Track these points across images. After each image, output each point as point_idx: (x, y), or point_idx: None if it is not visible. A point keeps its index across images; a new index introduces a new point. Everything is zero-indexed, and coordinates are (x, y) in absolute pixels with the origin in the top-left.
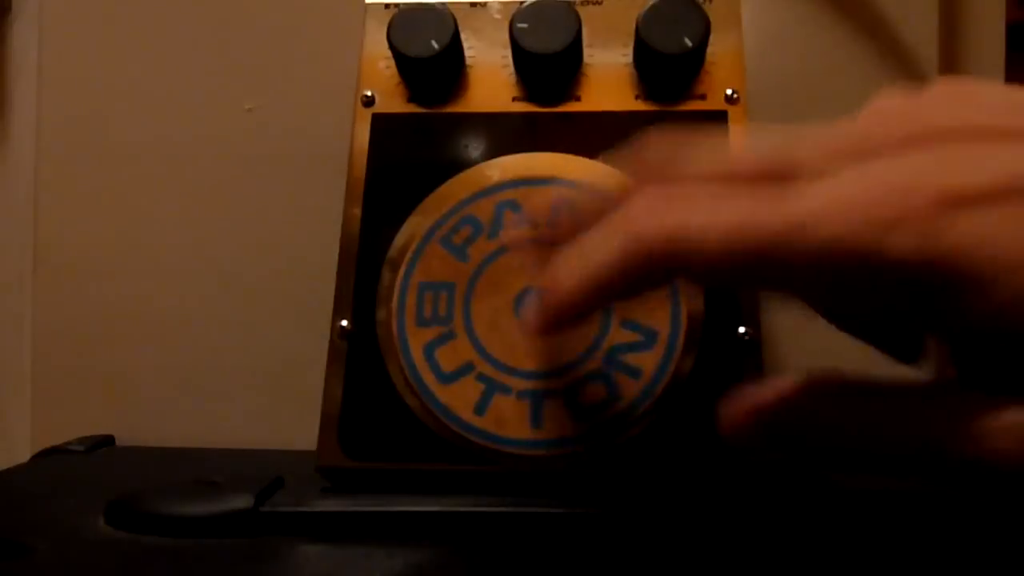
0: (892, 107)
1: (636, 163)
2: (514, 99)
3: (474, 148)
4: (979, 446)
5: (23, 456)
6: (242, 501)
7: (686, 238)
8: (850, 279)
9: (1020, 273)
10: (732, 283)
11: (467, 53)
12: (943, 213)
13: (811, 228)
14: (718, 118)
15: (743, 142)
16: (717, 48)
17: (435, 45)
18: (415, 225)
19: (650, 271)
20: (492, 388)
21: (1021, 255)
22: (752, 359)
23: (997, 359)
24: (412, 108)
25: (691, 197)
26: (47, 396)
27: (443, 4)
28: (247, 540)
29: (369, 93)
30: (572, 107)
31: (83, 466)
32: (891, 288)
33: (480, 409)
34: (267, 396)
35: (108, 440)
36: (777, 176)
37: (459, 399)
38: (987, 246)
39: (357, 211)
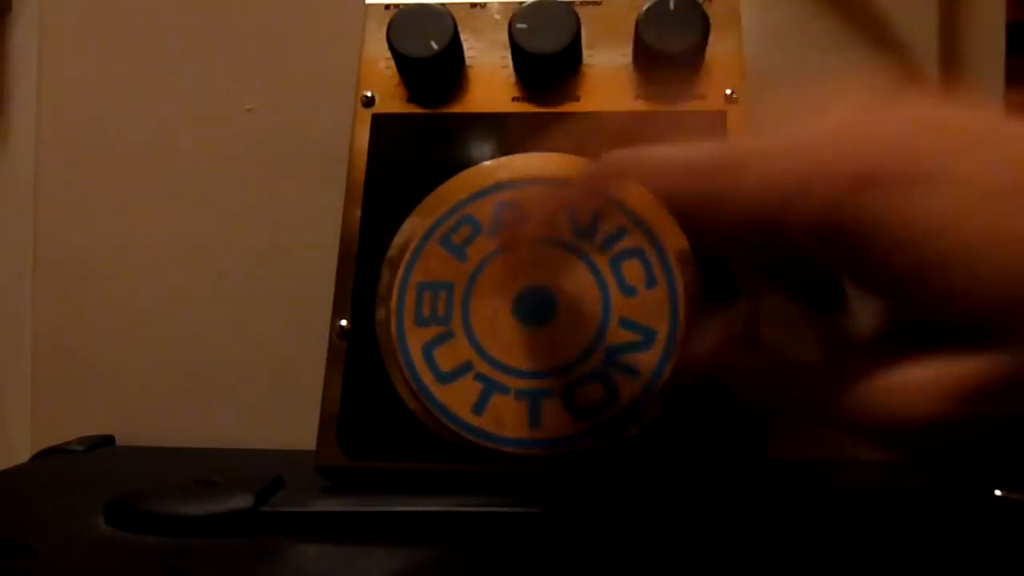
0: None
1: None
2: (513, 99)
3: (473, 148)
4: (851, 412)
5: (23, 456)
6: (242, 501)
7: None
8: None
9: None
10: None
11: (467, 54)
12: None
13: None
14: (717, 118)
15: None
16: (716, 48)
17: (434, 46)
18: (414, 225)
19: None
20: (490, 388)
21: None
22: None
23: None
24: (412, 108)
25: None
26: (47, 396)
27: (443, 5)
28: (247, 540)
29: (369, 94)
30: (571, 107)
31: (83, 466)
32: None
33: (478, 409)
34: (267, 396)
35: (108, 440)
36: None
37: (457, 399)
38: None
39: (357, 211)
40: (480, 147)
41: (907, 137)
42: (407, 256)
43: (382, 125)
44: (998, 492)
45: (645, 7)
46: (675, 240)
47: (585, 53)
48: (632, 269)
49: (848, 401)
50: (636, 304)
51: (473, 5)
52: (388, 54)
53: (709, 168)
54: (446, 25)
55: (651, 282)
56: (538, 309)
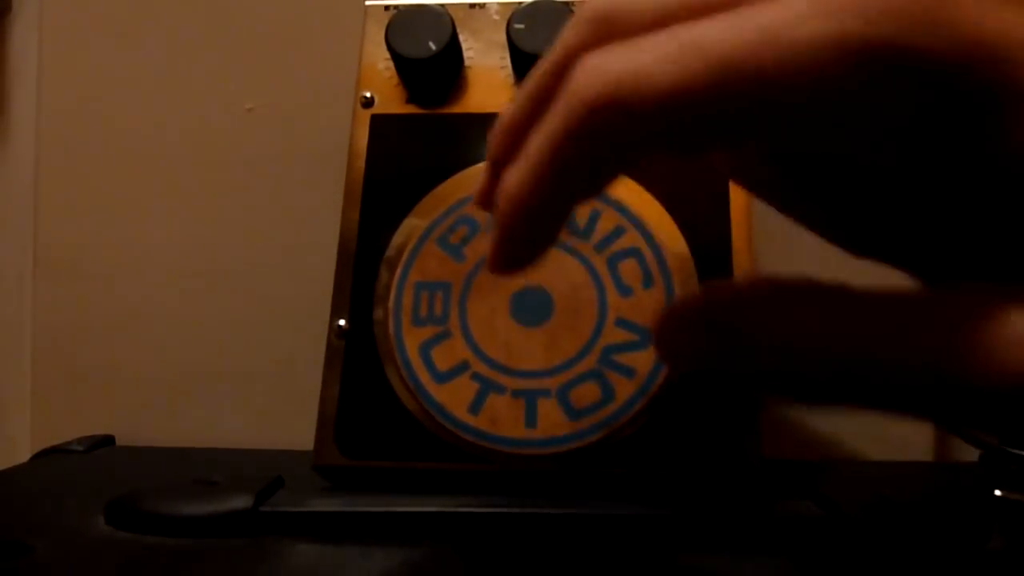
0: None
1: (569, 33)
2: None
3: (472, 149)
4: (982, 360)
5: (23, 456)
6: (242, 501)
7: (634, 76)
8: (843, 92)
9: None
10: (696, 133)
11: (465, 54)
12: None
13: (788, 30)
14: None
15: None
16: None
17: (433, 46)
18: (412, 225)
19: (600, 134)
20: (487, 387)
21: None
22: None
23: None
24: (411, 109)
25: (636, 42)
26: (47, 396)
27: (442, 6)
28: (247, 540)
29: (368, 94)
30: None
31: (83, 466)
32: (892, 108)
33: (475, 408)
34: (267, 396)
35: (108, 440)
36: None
37: (454, 398)
38: None
39: (355, 211)
40: (478, 148)
41: None
42: (405, 256)
43: (381, 126)
44: (998, 492)
45: None
46: (673, 240)
47: None
48: (629, 269)
49: (964, 354)
50: (633, 304)
51: (472, 6)
52: (387, 55)
53: (725, 49)
54: (445, 26)
55: (648, 282)
56: (535, 309)
